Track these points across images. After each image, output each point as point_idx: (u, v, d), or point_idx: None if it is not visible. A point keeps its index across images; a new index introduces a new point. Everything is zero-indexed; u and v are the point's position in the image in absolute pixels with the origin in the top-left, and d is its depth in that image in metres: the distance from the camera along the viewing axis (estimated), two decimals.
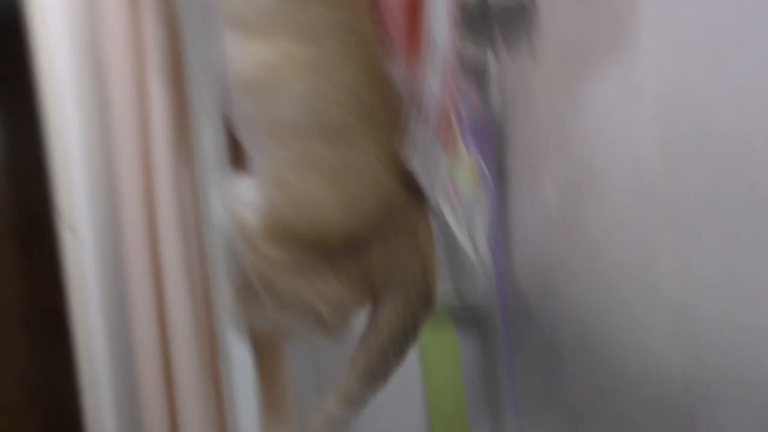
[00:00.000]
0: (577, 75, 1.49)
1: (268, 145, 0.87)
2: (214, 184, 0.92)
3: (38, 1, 1.34)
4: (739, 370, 1.18)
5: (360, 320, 0.99)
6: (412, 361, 1.67)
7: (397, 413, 1.59)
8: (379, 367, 0.96)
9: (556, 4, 1.53)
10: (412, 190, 0.91)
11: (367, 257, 0.91)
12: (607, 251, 1.46)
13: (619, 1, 1.38)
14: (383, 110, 0.89)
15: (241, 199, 0.91)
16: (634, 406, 1.38)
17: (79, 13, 1.31)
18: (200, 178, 0.95)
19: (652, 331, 1.34)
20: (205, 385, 1.06)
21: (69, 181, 1.15)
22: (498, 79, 1.66)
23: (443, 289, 1.57)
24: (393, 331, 0.94)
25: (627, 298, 1.41)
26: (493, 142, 1.65)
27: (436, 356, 1.71)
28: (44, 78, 1.28)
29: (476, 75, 1.61)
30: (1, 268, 3.12)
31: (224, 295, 0.94)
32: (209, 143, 0.92)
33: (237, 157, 0.96)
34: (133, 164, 1.03)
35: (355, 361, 0.96)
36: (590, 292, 1.51)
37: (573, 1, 1.49)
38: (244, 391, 0.96)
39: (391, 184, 0.89)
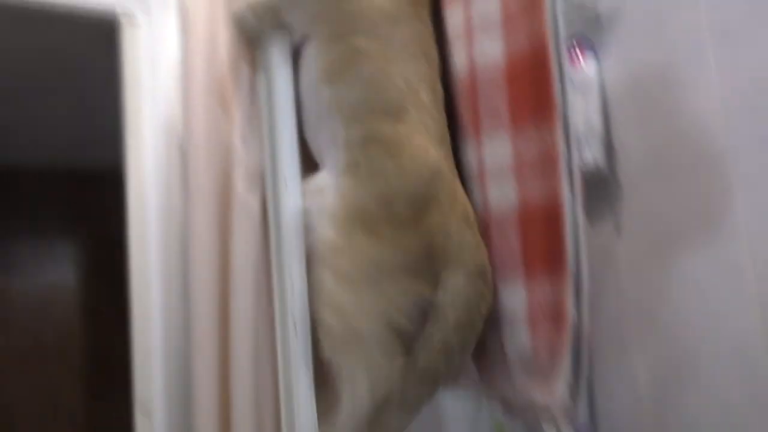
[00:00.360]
0: (665, 249, 1.43)
1: (341, 128, 1.01)
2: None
3: (136, 164, 1.41)
4: None
5: None
6: None
7: None
8: (442, 361, 0.97)
9: (639, 177, 1.50)
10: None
11: (426, 225, 0.98)
12: None
13: (709, 176, 1.34)
14: (432, 105, 1.03)
15: (316, 207, 1.01)
16: None
17: (173, 196, 1.37)
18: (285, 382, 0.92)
19: None
20: None
21: (147, 370, 1.15)
22: None
23: None
24: (458, 318, 0.96)
25: None
26: None
27: None
28: (134, 262, 1.33)
29: None
30: (68, 407, 3.12)
31: None
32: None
33: None
34: (211, 361, 1.01)
35: (416, 360, 0.96)
36: None
37: (657, 174, 1.47)
38: None
39: (437, 157, 1.00)
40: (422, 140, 1.01)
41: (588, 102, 1.54)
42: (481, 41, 1.01)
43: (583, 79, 1.55)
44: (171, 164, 1.43)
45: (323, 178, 1.04)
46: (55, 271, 3.25)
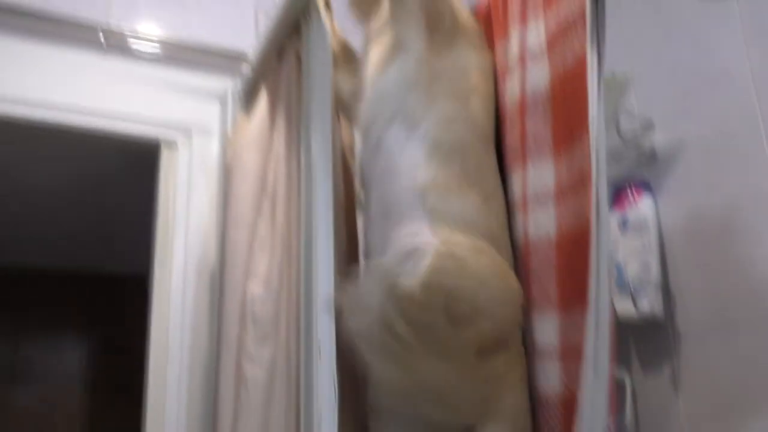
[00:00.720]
0: (730, 413, 1.30)
1: (439, 233, 0.95)
2: None
3: (161, 284, 1.38)
4: None
5: None
6: None
7: None
8: None
9: (700, 328, 1.38)
10: None
11: (491, 366, 0.93)
12: None
13: None
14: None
15: (395, 267, 0.95)
16: None
17: (199, 327, 1.33)
18: None
19: None
20: None
21: None
22: (633, 404, 1.48)
23: None
24: None
25: None
26: None
27: None
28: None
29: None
30: None
31: None
32: None
33: None
34: None
35: None
36: None
37: (720, 327, 1.35)
38: None
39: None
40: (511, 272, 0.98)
41: (644, 244, 1.45)
42: (535, 213, 0.96)
43: (638, 219, 1.46)
44: (199, 292, 1.39)
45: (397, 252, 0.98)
46: (61, 379, 3.18)
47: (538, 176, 0.97)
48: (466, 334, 0.91)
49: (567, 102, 0.94)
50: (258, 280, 1.09)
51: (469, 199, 0.97)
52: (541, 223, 0.96)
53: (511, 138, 1.03)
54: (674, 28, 1.54)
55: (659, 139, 1.50)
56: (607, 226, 0.85)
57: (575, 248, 0.90)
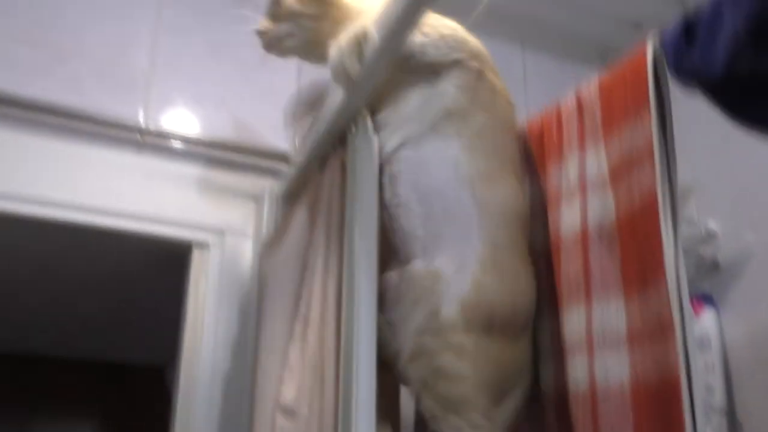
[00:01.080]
0: None
1: (485, 231, 0.99)
2: None
3: (192, 374, 1.30)
4: None
5: None
6: None
7: None
8: None
9: None
10: None
11: (519, 347, 0.98)
12: None
13: None
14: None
15: (437, 292, 0.96)
16: None
17: None
18: None
19: None
20: None
21: None
22: None
23: None
24: None
25: None
26: None
27: None
28: None
29: None
30: None
31: None
32: None
33: None
34: None
35: None
36: None
37: None
38: None
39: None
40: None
41: (706, 364, 1.33)
42: (603, 357, 0.87)
43: (700, 336, 1.35)
44: (226, 404, 1.30)
45: (446, 263, 0.97)
46: None
47: (605, 316, 0.89)
48: (502, 334, 0.95)
49: (637, 240, 0.86)
50: (286, 410, 1.00)
51: (509, 184, 1.03)
52: (611, 369, 0.86)
53: (569, 270, 0.96)
54: (733, 135, 1.45)
55: (722, 249, 1.41)
56: (700, 383, 0.76)
57: (656, 402, 0.80)
